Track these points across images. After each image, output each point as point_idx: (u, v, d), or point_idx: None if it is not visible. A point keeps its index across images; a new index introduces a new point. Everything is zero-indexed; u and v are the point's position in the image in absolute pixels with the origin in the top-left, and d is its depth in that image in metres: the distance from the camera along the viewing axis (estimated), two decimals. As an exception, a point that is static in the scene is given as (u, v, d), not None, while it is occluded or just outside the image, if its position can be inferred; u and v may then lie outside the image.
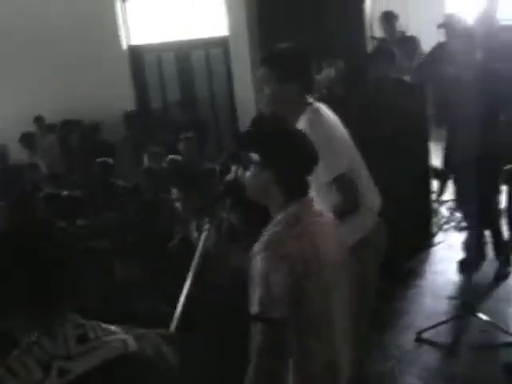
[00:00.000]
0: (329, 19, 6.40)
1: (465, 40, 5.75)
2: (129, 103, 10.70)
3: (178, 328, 2.97)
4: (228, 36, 10.03)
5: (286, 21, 6.52)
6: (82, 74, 10.38)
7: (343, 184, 3.62)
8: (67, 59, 10.40)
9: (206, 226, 3.38)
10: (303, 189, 2.86)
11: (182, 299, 3.09)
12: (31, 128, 10.26)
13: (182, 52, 10.71)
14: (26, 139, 9.82)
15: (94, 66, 10.34)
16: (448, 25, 5.90)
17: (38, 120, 10.49)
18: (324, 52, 6.17)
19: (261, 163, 2.80)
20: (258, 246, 2.69)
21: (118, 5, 10.51)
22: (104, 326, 2.18)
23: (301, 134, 2.93)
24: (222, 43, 10.26)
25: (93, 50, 10.29)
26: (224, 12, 9.91)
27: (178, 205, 5.73)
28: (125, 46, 10.68)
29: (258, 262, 2.63)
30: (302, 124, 3.62)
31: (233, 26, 9.82)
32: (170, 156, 7.54)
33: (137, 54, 10.82)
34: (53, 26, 10.29)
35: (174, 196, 5.69)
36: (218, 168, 6.58)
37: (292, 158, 2.80)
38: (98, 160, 7.47)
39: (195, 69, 10.75)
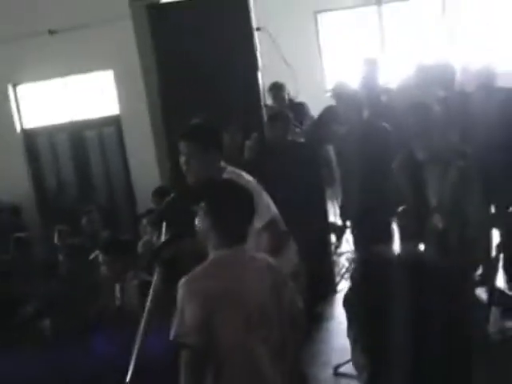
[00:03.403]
0: (226, 91, 6.91)
1: (352, 102, 6.42)
2: (24, 186, 10.82)
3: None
4: (119, 114, 10.43)
5: (185, 96, 6.98)
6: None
7: (274, 227, 4.08)
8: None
9: (157, 269, 3.75)
10: (238, 237, 3.29)
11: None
12: None
13: (75, 132, 10.98)
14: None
15: (-12, 151, 10.40)
16: (337, 90, 6.54)
17: None
18: (226, 123, 6.64)
19: (204, 210, 3.27)
20: (181, 281, 3.14)
21: (10, 90, 10.72)
22: None
23: (244, 189, 3.40)
24: (114, 121, 10.65)
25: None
26: (114, 91, 10.32)
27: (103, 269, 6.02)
28: (18, 129, 10.85)
29: (178, 294, 3.10)
30: None
31: (123, 103, 10.21)
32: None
33: (31, 137, 10.99)
34: None
35: (100, 260, 6.00)
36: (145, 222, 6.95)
37: (228, 208, 3.26)
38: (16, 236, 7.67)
39: (89, 148, 11.03)
